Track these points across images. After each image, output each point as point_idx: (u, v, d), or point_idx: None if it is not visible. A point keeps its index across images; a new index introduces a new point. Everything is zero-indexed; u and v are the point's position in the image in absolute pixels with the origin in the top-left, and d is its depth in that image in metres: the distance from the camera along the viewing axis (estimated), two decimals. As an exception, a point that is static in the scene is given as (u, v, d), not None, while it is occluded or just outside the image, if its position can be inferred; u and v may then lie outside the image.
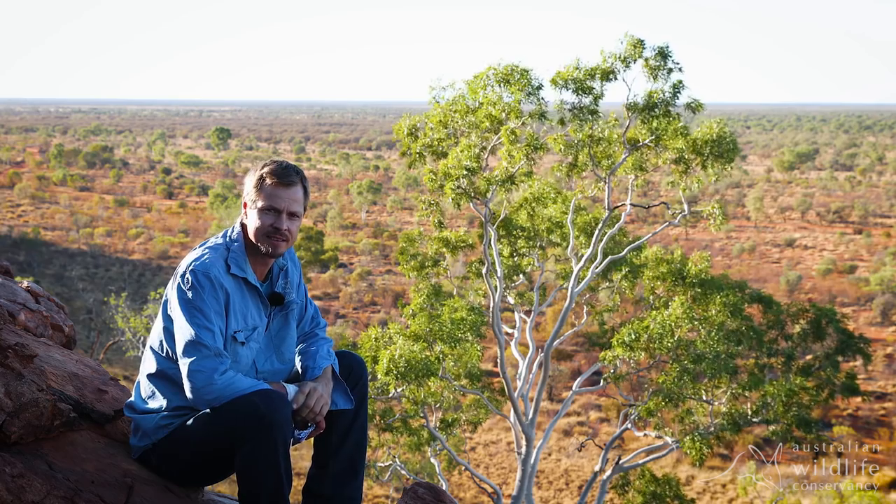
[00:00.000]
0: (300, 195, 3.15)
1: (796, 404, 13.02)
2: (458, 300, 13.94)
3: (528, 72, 12.73)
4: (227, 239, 3.16)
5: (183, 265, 3.07)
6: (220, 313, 3.02)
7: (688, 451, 13.15)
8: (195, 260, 3.06)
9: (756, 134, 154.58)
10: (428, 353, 12.51)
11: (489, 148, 13.41)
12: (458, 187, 12.88)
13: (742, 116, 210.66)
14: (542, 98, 12.84)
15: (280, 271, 3.29)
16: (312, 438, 3.27)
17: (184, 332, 2.98)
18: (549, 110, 13.02)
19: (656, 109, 12.80)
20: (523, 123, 12.90)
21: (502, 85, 12.88)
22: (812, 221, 65.35)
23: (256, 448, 2.85)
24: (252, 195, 3.13)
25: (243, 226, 3.19)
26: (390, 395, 13.23)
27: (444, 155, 13.60)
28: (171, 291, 3.07)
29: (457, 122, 13.43)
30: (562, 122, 13.31)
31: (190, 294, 2.99)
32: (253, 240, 3.14)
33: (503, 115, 12.80)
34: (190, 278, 3.01)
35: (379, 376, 12.23)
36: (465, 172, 12.83)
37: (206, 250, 3.10)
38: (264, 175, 3.12)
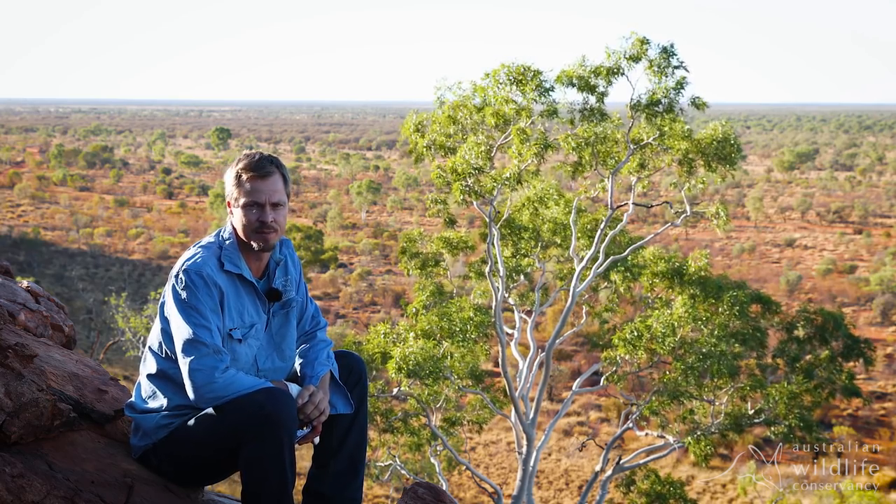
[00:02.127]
0: (280, 184, 3.13)
1: (798, 406, 13.01)
2: (465, 300, 13.95)
3: (540, 73, 12.77)
4: (220, 238, 3.17)
5: (177, 266, 3.08)
6: (215, 311, 3.02)
7: (691, 451, 13.14)
8: (187, 259, 3.07)
9: (756, 134, 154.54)
10: (436, 351, 12.52)
11: (496, 146, 13.40)
12: (466, 185, 12.90)
13: (742, 116, 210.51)
14: (554, 99, 12.89)
15: (276, 266, 3.28)
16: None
17: (182, 331, 2.98)
18: (560, 110, 13.07)
19: (659, 106, 12.80)
20: (532, 122, 12.91)
21: (513, 84, 12.89)
22: (812, 221, 65.35)
23: (262, 446, 2.85)
24: (233, 193, 3.13)
25: (234, 224, 3.20)
26: (393, 392, 13.23)
27: (452, 151, 13.59)
28: (167, 292, 3.08)
29: (465, 119, 13.43)
30: (571, 122, 13.34)
31: (184, 294, 3.00)
32: (243, 237, 3.14)
33: (514, 113, 12.82)
34: (183, 278, 3.02)
35: (391, 374, 12.25)
36: (472, 171, 12.84)
37: (199, 249, 3.11)
38: (240, 171, 3.11)
